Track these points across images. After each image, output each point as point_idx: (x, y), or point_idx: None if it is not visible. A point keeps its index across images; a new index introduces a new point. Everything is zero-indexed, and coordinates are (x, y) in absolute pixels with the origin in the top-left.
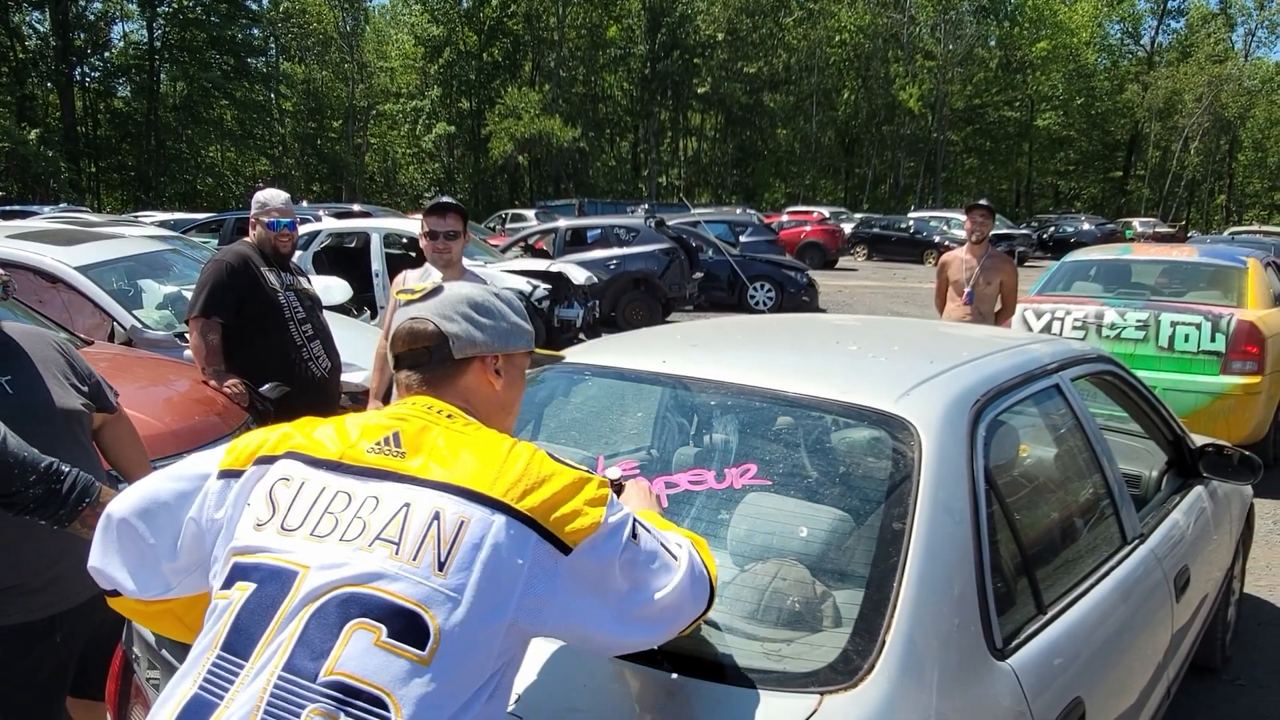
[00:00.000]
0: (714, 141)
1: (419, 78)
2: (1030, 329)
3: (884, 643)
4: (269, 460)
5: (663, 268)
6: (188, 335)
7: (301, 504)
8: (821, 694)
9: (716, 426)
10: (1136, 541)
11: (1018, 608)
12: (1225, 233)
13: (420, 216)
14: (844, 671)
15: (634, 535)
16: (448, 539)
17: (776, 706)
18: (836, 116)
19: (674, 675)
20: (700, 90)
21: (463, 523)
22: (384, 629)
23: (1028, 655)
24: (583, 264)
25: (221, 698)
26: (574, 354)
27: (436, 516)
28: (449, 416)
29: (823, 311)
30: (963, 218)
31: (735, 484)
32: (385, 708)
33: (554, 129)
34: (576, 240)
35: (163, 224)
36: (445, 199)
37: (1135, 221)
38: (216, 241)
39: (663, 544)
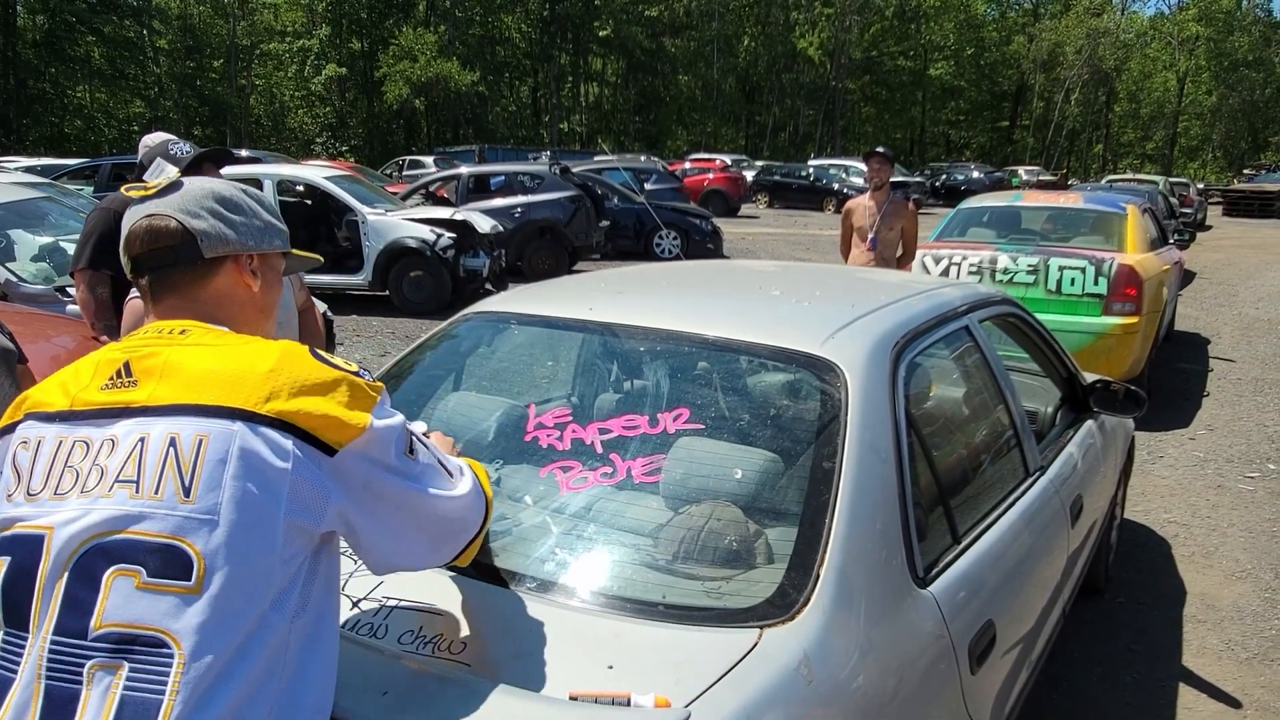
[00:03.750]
0: (616, 87)
1: (305, 15)
2: (929, 273)
3: (818, 576)
4: (10, 430)
5: (569, 216)
6: (71, 289)
7: (41, 465)
8: (761, 627)
9: (647, 373)
10: (1038, 473)
11: (935, 538)
12: (1104, 180)
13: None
14: (781, 605)
15: (407, 445)
16: (188, 463)
17: (719, 641)
18: (737, 63)
19: (617, 618)
20: (601, 33)
21: (201, 441)
22: (142, 570)
23: (946, 583)
24: (487, 212)
25: (15, 672)
26: (497, 302)
27: (173, 443)
28: (182, 333)
29: (728, 259)
30: (862, 165)
31: (669, 428)
32: (165, 646)
33: (451, 72)
34: (479, 188)
35: (29, 170)
36: (183, 147)
37: (1021, 170)
38: (92, 189)
39: (440, 461)
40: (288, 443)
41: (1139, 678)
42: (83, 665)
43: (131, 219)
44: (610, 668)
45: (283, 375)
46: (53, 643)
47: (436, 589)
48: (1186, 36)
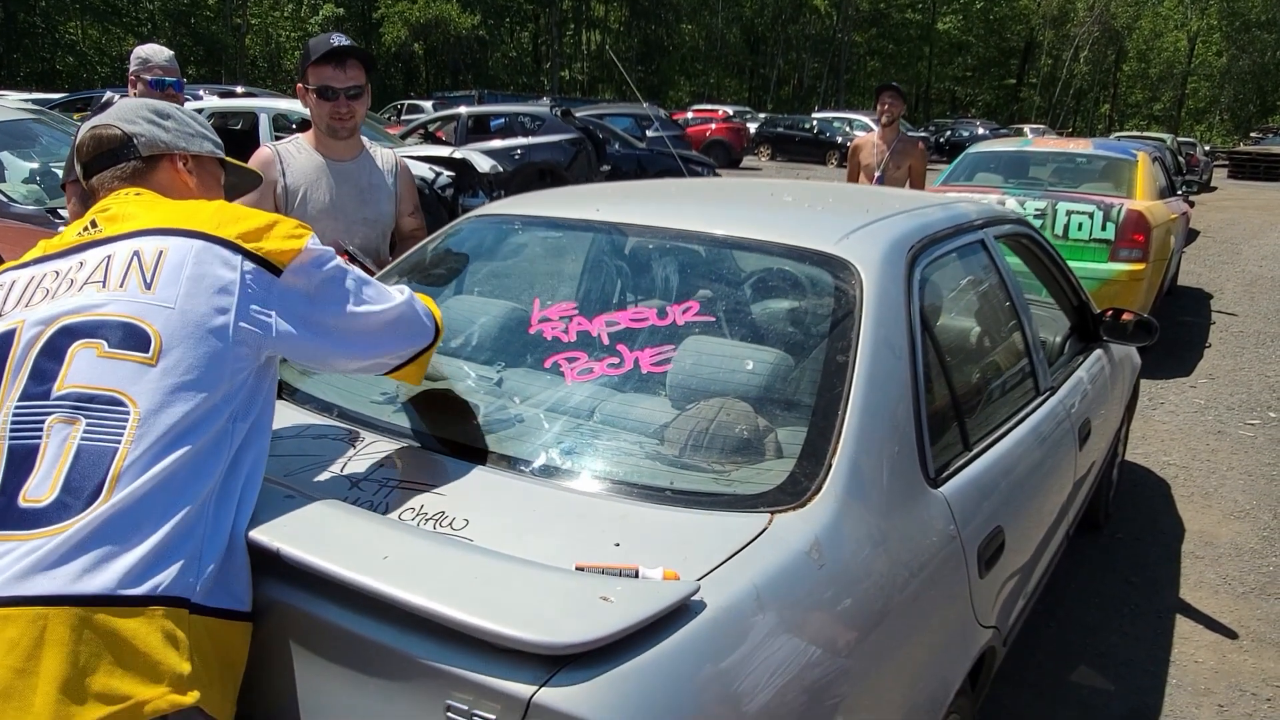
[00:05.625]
0: (618, 35)
1: None
2: None
3: (830, 466)
4: None
5: (569, 159)
6: (64, 211)
7: (15, 294)
8: (772, 513)
9: (655, 270)
10: (1048, 393)
11: (947, 443)
12: (1112, 137)
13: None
14: (793, 493)
15: (341, 262)
16: (150, 265)
17: (728, 523)
18: (743, 13)
19: (623, 501)
20: None
21: (162, 251)
22: (105, 342)
23: (957, 485)
24: (486, 153)
25: None
26: (499, 205)
27: (136, 254)
28: (137, 194)
29: None
30: (866, 119)
31: (678, 321)
32: (121, 404)
33: (451, 14)
34: (479, 128)
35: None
36: (340, 39)
37: (1026, 128)
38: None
39: (376, 282)
40: (236, 258)
41: (1137, 609)
42: (43, 421)
43: (80, 133)
44: (617, 545)
45: (228, 212)
46: (16, 407)
47: (437, 473)
48: None
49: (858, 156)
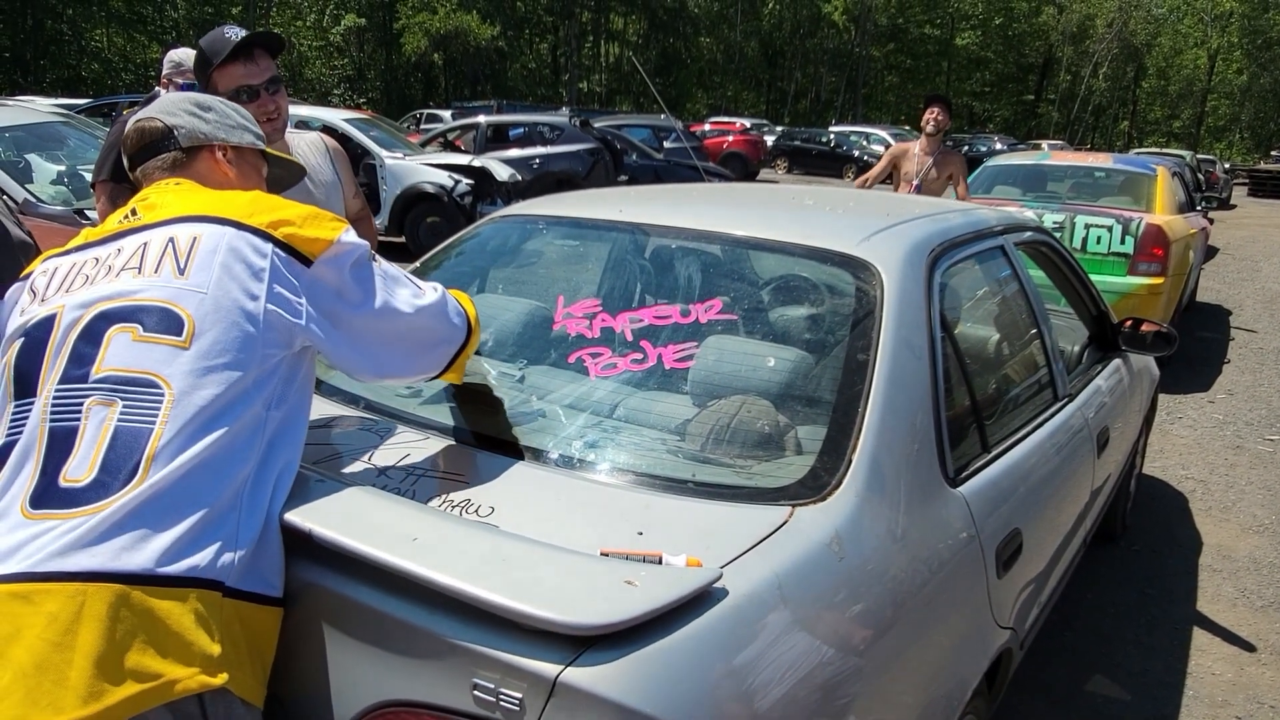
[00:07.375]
0: (637, 47)
1: None
2: None
3: (851, 461)
4: (28, 277)
5: (587, 169)
6: (90, 213)
7: (57, 280)
8: (793, 505)
9: (678, 269)
10: (1066, 399)
11: (966, 444)
12: (1131, 153)
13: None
14: (813, 486)
15: (371, 257)
16: (184, 252)
17: (750, 515)
18: (761, 26)
19: (646, 492)
20: None
21: (196, 238)
22: (140, 326)
23: (976, 486)
24: (505, 162)
25: (21, 435)
26: (522, 206)
27: (171, 240)
28: (176, 184)
29: None
30: (883, 133)
31: (700, 319)
32: (156, 386)
33: (471, 25)
34: (498, 137)
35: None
36: (237, 31)
37: (1044, 144)
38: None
39: (408, 277)
40: (267, 246)
41: (1152, 620)
42: (82, 403)
43: (126, 127)
44: (640, 534)
45: (263, 201)
46: (56, 390)
47: (464, 463)
48: (1220, 13)
49: (895, 159)
